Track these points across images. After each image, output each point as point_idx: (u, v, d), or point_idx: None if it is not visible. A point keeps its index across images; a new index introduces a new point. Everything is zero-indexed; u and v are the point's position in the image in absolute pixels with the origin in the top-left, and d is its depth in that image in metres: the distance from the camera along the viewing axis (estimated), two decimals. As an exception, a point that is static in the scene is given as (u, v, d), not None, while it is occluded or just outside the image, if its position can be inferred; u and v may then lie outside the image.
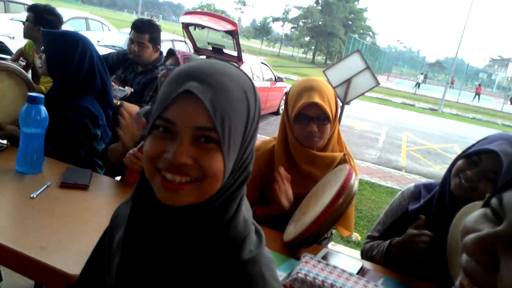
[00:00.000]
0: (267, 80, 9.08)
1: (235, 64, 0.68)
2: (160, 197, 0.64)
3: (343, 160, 1.65)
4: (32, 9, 2.98)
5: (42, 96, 1.57)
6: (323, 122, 1.53)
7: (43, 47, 1.96)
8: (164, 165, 0.62)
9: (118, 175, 2.15)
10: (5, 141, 2.03)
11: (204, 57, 7.48)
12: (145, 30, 2.80)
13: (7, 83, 1.89)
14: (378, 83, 6.19)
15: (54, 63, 1.92)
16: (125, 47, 8.16)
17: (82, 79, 1.94)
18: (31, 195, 1.40)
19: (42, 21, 2.96)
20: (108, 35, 10.89)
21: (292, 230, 1.40)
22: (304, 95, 1.50)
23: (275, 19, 58.24)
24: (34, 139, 1.56)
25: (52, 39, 1.92)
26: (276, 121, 9.41)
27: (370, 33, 62.36)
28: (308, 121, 1.51)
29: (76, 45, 1.93)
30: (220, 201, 0.66)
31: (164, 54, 2.54)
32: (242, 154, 0.66)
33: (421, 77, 34.22)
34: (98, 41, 9.88)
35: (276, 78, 9.72)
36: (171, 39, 9.94)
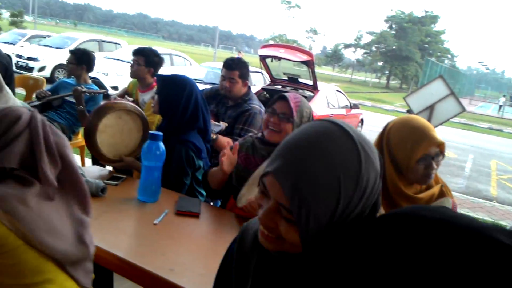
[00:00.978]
0: (342, 107, 9.08)
1: (341, 127, 0.66)
2: (259, 239, 0.74)
3: (441, 192, 1.64)
4: (140, 53, 3.33)
5: (161, 134, 1.77)
6: (438, 158, 1.55)
7: (156, 89, 2.21)
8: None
9: (218, 198, 2.31)
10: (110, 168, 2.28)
11: (294, 92, 7.70)
12: (236, 67, 3.00)
13: (125, 119, 2.14)
14: (463, 109, 5.94)
15: (165, 103, 2.16)
16: (206, 80, 8.64)
17: (188, 117, 2.15)
18: (154, 222, 1.58)
19: (151, 63, 3.31)
20: (190, 69, 11.59)
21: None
22: (424, 137, 1.52)
23: (347, 46, 58.03)
24: (154, 171, 1.76)
25: (164, 83, 2.18)
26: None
27: (449, 56, 59.69)
28: (430, 161, 1.53)
29: (184, 88, 2.16)
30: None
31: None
32: (336, 219, 0.66)
33: (503, 99, 31.79)
34: (181, 75, 10.56)
35: (352, 105, 9.67)
36: (248, 70, 10.35)
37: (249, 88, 3.13)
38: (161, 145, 1.76)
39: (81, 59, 3.64)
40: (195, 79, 9.62)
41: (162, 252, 1.39)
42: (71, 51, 3.71)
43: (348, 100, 9.64)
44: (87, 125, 2.03)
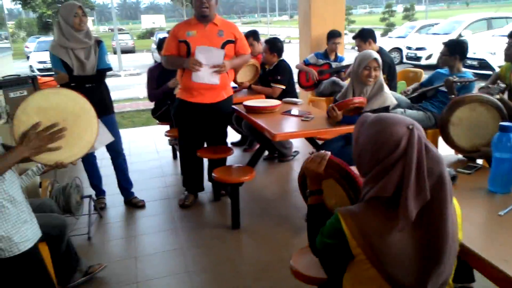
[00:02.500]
0: None
1: None
2: None
3: None
4: None
5: (512, 125, 1.72)
6: None
7: None
8: None
9: None
10: (481, 162, 2.31)
11: None
12: None
13: (479, 110, 2.15)
14: None
15: None
16: None
17: None
18: (500, 213, 1.58)
19: None
20: None
21: None
22: None
23: None
24: (505, 163, 1.73)
25: None
26: None
27: None
28: None
29: None
30: None
31: None
32: None
33: None
34: None
35: None
36: None
37: None
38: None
39: (454, 50, 3.74)
40: None
41: (501, 243, 1.40)
42: (444, 43, 3.86)
43: None
44: (441, 119, 2.18)
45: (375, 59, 3.01)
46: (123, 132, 4.17)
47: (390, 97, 3.09)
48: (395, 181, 1.17)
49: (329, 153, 1.51)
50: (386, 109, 3.06)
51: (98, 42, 3.30)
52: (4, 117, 3.14)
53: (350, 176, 1.47)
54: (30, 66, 16.96)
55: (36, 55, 16.62)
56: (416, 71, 4.85)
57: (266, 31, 36.86)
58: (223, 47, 3.21)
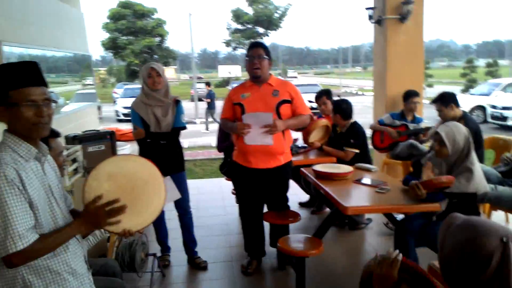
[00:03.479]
0: None
1: None
2: None
3: None
4: None
5: None
6: None
7: None
8: None
9: None
10: None
11: None
12: None
13: None
14: None
15: None
16: None
17: None
18: None
19: None
20: None
21: None
22: None
23: None
24: None
25: None
26: None
27: None
28: None
29: None
30: None
31: None
32: None
33: None
34: None
35: None
36: None
37: None
38: None
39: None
40: None
41: None
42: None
43: None
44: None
45: (437, 132, 2.80)
46: (193, 183, 4.20)
47: (478, 183, 2.74)
48: None
49: (401, 255, 1.35)
50: (472, 195, 2.74)
51: (176, 102, 3.40)
52: (81, 171, 3.27)
53: (428, 282, 1.28)
54: (116, 111, 18.30)
55: (123, 101, 17.93)
56: (506, 139, 4.42)
57: (338, 82, 36.94)
58: (278, 106, 3.14)
